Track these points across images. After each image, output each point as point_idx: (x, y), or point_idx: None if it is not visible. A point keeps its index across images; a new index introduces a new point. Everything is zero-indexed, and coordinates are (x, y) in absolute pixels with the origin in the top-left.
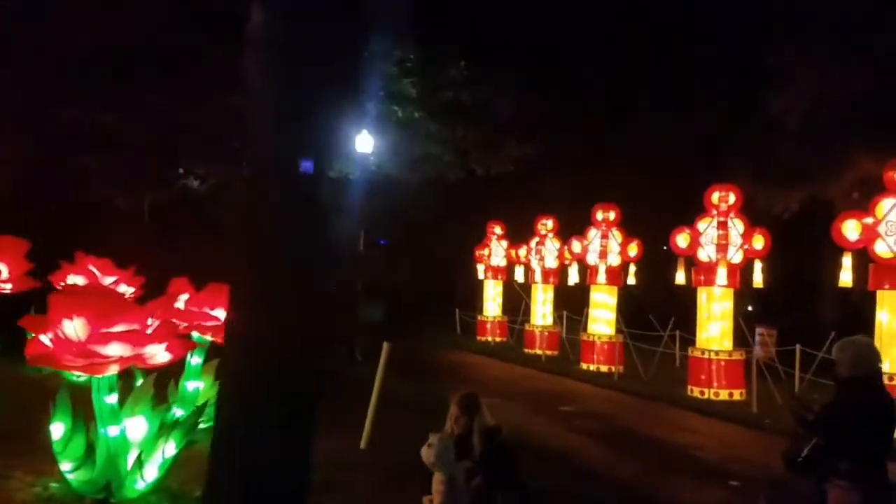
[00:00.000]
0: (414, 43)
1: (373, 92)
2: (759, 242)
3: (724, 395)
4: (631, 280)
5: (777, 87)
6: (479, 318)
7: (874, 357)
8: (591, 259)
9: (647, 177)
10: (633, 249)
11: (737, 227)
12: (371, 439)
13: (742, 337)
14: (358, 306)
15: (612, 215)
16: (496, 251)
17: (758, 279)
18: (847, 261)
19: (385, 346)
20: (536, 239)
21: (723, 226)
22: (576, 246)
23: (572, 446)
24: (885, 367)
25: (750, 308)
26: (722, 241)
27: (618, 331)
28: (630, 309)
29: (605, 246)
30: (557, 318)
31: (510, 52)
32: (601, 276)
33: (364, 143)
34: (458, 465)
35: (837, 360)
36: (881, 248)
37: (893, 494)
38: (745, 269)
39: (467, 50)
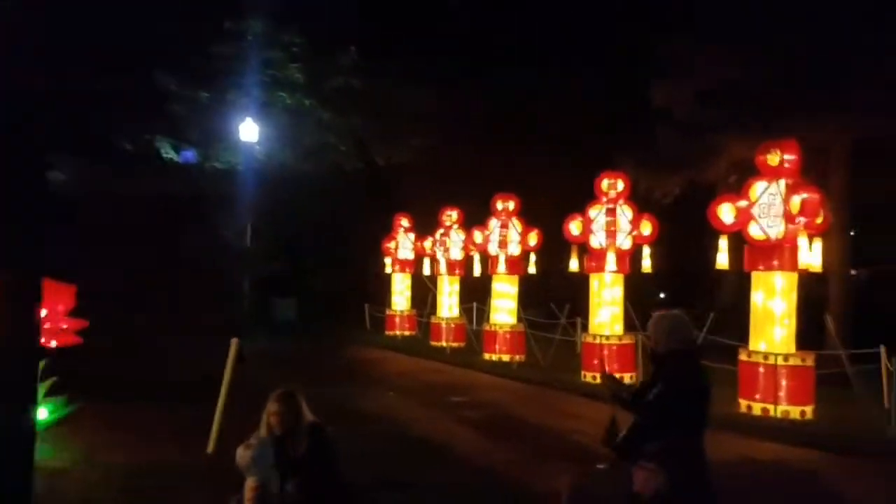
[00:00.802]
0: (300, 28)
1: (256, 78)
2: (646, 228)
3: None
4: (532, 269)
5: (664, 78)
6: (387, 312)
7: (689, 329)
8: (492, 249)
9: (548, 166)
10: (533, 238)
11: (626, 213)
12: (221, 443)
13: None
14: (245, 302)
15: (511, 205)
16: (404, 244)
17: (646, 265)
18: (723, 243)
19: (233, 342)
20: (441, 230)
21: (611, 212)
22: (477, 236)
23: (452, 436)
24: (761, 346)
25: (662, 295)
26: (611, 228)
27: (519, 320)
28: (532, 298)
29: (505, 236)
30: (464, 310)
31: (408, 42)
32: (501, 266)
33: (248, 131)
34: (273, 470)
35: (652, 335)
36: (755, 231)
37: (702, 476)
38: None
39: (361, 37)
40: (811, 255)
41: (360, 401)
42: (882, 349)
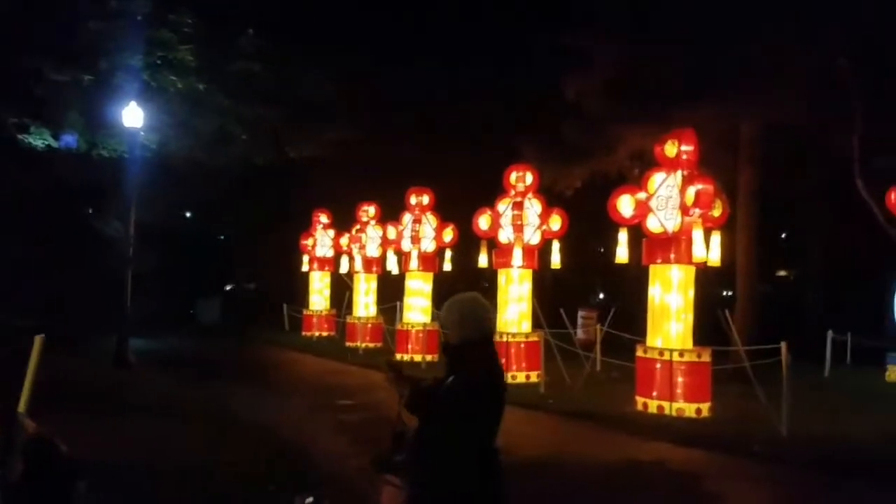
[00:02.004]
0: (193, 7)
1: (144, 59)
2: (556, 223)
3: (521, 377)
4: (447, 266)
5: (571, 70)
6: (304, 312)
7: (485, 315)
8: (405, 245)
9: (467, 159)
10: (448, 234)
11: (534, 207)
12: None
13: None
14: (131, 300)
15: (425, 199)
16: (322, 241)
17: (555, 260)
18: (623, 236)
19: (37, 340)
20: (357, 226)
21: (518, 206)
22: (391, 232)
23: (316, 442)
24: (658, 342)
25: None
26: (517, 222)
27: (433, 319)
28: (449, 296)
29: (418, 231)
30: (386, 310)
31: (313, 30)
32: (414, 263)
33: (132, 116)
34: None
35: (444, 325)
36: (653, 223)
37: (481, 496)
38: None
39: (264, 20)
40: (709, 249)
41: (242, 405)
42: (783, 345)
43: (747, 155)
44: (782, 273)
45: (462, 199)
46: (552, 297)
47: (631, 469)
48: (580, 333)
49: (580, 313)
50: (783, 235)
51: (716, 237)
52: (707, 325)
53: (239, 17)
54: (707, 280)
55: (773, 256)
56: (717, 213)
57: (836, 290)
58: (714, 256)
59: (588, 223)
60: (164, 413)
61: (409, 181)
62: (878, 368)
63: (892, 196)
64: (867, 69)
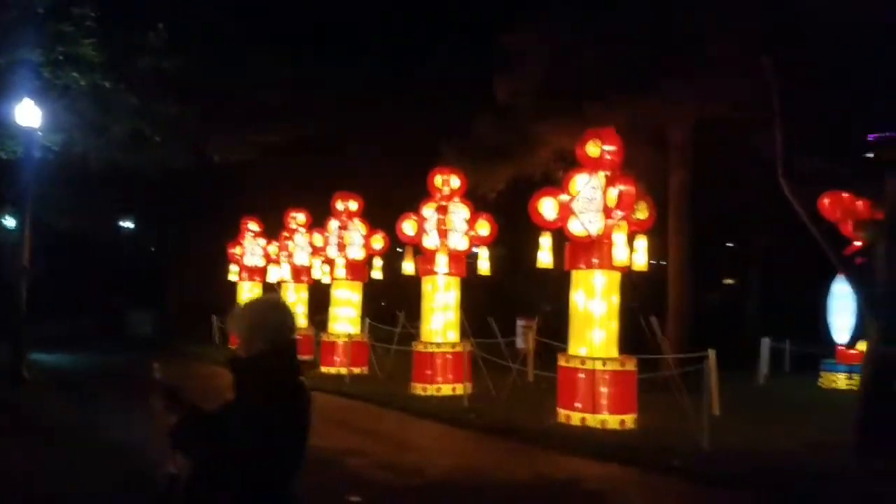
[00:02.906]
0: (96, 0)
1: (42, 55)
2: (484, 228)
3: (446, 390)
4: (376, 274)
5: (499, 71)
6: None
7: (283, 321)
8: (331, 252)
9: (397, 165)
10: (377, 242)
11: (461, 211)
12: None
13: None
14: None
15: (353, 205)
16: (252, 249)
17: (483, 266)
18: (545, 241)
19: None
20: (286, 234)
21: (443, 210)
22: (317, 239)
23: None
24: (581, 351)
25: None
26: (442, 227)
27: (363, 329)
28: (378, 305)
29: (343, 238)
30: (320, 321)
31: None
32: (340, 271)
33: (27, 114)
34: None
35: (236, 335)
36: (575, 227)
37: None
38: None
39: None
40: (635, 253)
41: (132, 428)
42: (710, 353)
43: (678, 158)
44: (729, 281)
45: (394, 205)
46: (490, 305)
47: (542, 487)
48: (519, 343)
49: (519, 322)
50: (729, 245)
51: (641, 241)
52: (638, 333)
53: (148, 12)
54: (635, 286)
55: (720, 265)
56: (642, 215)
57: (775, 297)
58: (640, 261)
59: (524, 228)
60: (43, 436)
61: (340, 186)
62: (814, 376)
63: (825, 201)
64: (790, 66)
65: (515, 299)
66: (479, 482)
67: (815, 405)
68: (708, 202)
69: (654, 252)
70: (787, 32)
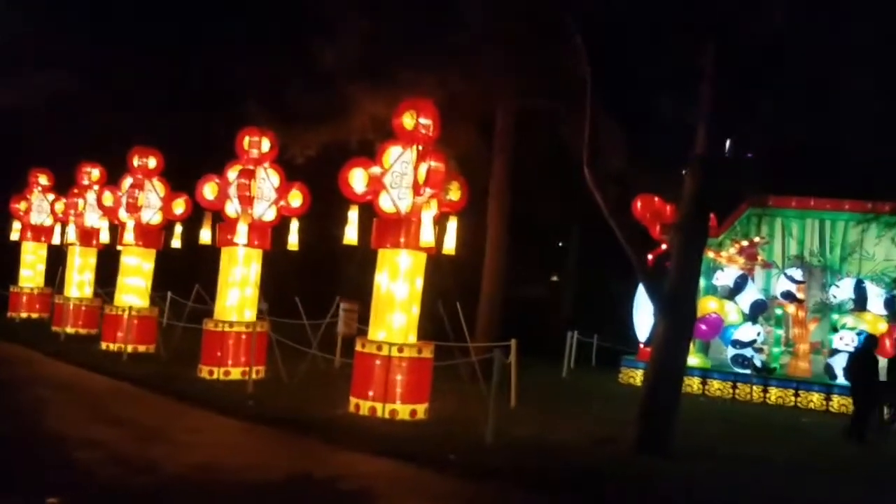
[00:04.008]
0: None
1: None
2: (296, 199)
3: (236, 374)
4: (176, 243)
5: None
6: (11, 289)
7: None
8: (122, 214)
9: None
10: (179, 206)
11: (270, 178)
12: None
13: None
14: None
15: (152, 162)
16: (39, 206)
17: (293, 240)
18: (353, 215)
19: None
20: (77, 191)
21: (248, 174)
22: (107, 198)
23: None
24: (381, 335)
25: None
26: (245, 193)
27: (153, 303)
28: (177, 275)
29: (137, 198)
30: (108, 292)
31: None
32: (129, 235)
33: None
34: None
35: None
36: (385, 202)
37: None
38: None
39: None
40: (446, 236)
41: None
42: (513, 342)
43: (501, 143)
44: (555, 278)
45: (203, 168)
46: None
47: (294, 486)
48: (341, 326)
49: (342, 305)
50: (560, 243)
51: (452, 223)
52: (449, 320)
53: None
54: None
55: (545, 260)
56: (454, 196)
57: (589, 292)
58: (450, 244)
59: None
60: None
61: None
62: (618, 371)
63: (637, 203)
64: (601, 49)
65: (338, 279)
66: (221, 480)
67: (611, 400)
68: (530, 193)
69: (474, 238)
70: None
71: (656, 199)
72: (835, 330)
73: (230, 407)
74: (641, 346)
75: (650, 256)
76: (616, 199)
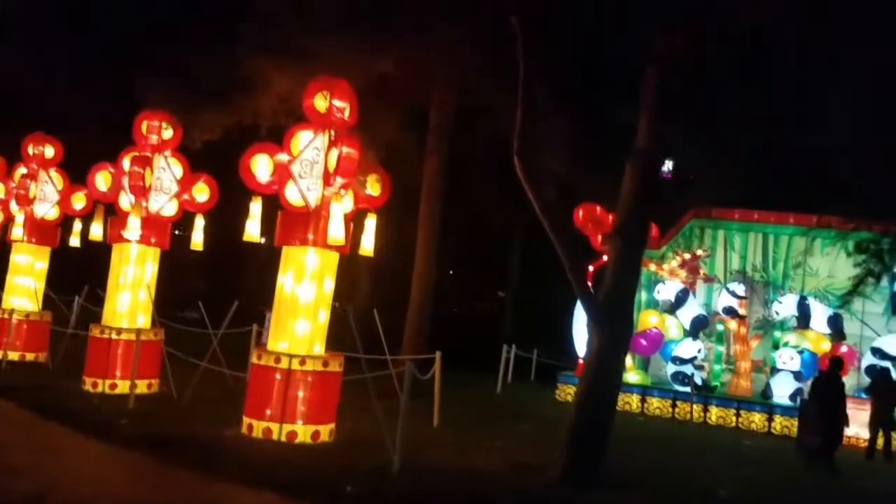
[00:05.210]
0: None
1: None
2: (202, 193)
3: (123, 387)
4: (74, 241)
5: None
6: None
7: None
8: (13, 207)
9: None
10: (79, 200)
11: (172, 169)
12: None
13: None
14: None
15: (49, 151)
16: None
17: (198, 239)
18: (256, 208)
19: None
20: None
21: (143, 162)
22: None
23: None
24: (283, 345)
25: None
26: (138, 183)
27: (51, 306)
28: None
29: (28, 190)
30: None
31: None
32: (19, 231)
33: None
34: None
35: None
36: (292, 194)
37: None
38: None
39: None
40: (364, 234)
41: None
42: (437, 355)
43: (434, 142)
44: (501, 294)
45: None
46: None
47: None
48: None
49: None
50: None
51: (371, 221)
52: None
53: None
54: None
55: (493, 275)
56: (374, 190)
57: (532, 306)
58: (368, 244)
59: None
60: None
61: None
62: (555, 386)
63: (580, 213)
64: (537, 31)
65: (241, 281)
66: None
67: (544, 419)
68: (472, 199)
69: (405, 243)
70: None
71: (598, 208)
72: (776, 347)
73: (101, 426)
74: (580, 361)
75: (591, 268)
76: (555, 200)
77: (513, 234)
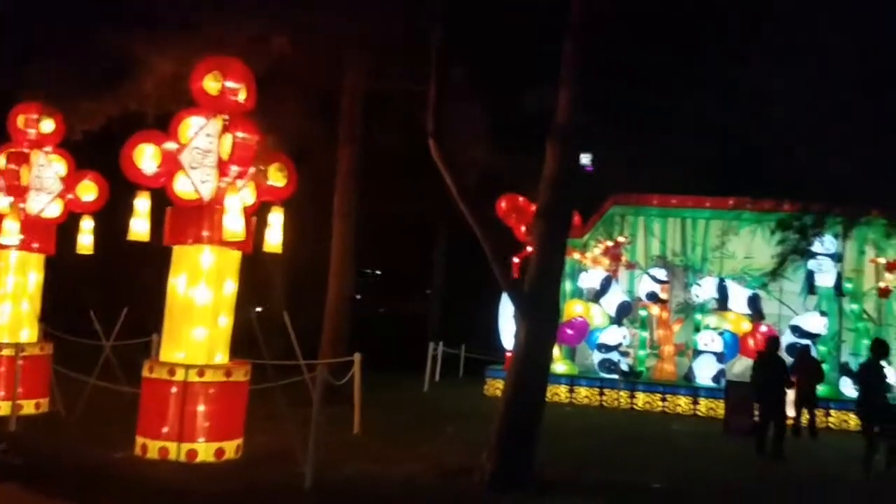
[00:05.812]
0: None
1: None
2: (89, 192)
3: (5, 409)
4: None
5: None
6: None
7: None
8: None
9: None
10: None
11: (54, 166)
12: None
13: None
14: None
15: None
16: None
17: (86, 242)
18: (142, 203)
19: None
20: None
21: (18, 159)
22: None
23: None
24: (178, 356)
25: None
26: (15, 182)
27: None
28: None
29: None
30: None
31: None
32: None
33: None
34: None
35: None
36: (183, 186)
37: None
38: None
39: None
40: (269, 229)
41: None
42: (356, 358)
43: (347, 132)
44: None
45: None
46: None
47: None
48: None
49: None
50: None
51: (277, 215)
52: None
53: None
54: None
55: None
56: (277, 181)
57: (458, 301)
58: (273, 239)
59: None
60: None
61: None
62: (483, 382)
63: (502, 203)
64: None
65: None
66: None
67: (472, 417)
68: (389, 193)
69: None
70: None
71: (521, 198)
72: (697, 330)
73: None
74: (508, 353)
75: (515, 260)
76: (476, 188)
77: (437, 229)
